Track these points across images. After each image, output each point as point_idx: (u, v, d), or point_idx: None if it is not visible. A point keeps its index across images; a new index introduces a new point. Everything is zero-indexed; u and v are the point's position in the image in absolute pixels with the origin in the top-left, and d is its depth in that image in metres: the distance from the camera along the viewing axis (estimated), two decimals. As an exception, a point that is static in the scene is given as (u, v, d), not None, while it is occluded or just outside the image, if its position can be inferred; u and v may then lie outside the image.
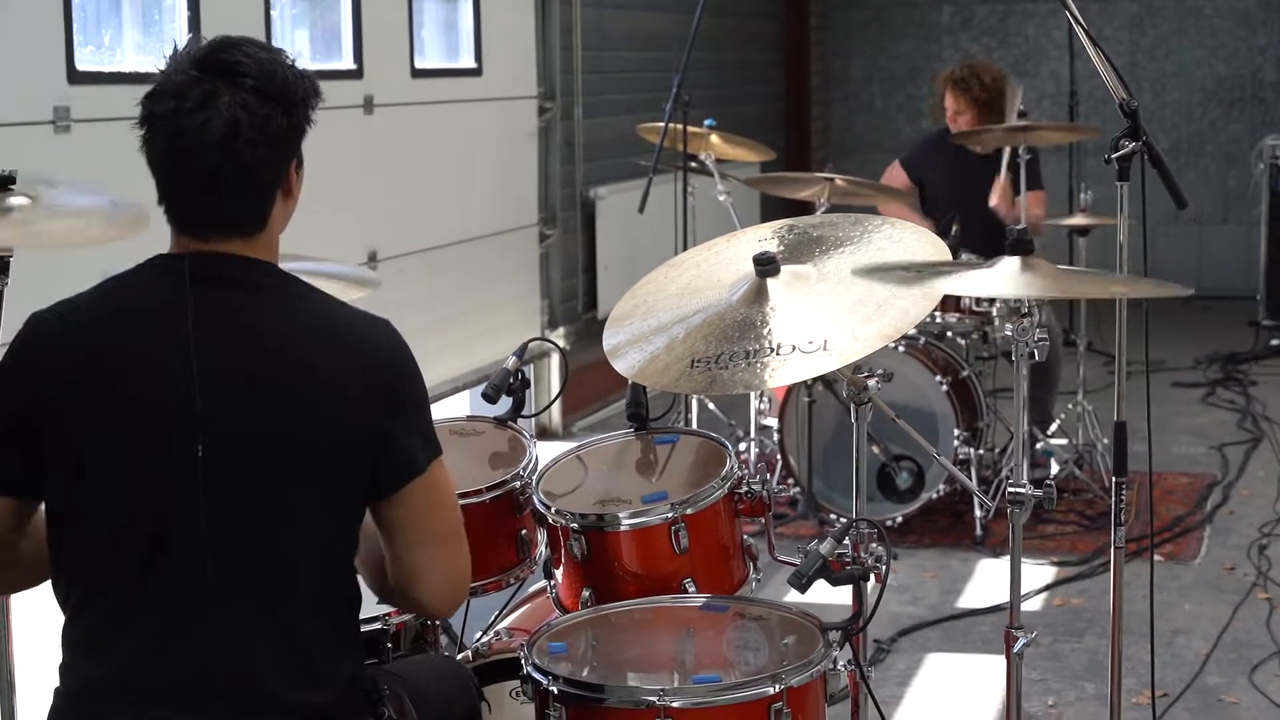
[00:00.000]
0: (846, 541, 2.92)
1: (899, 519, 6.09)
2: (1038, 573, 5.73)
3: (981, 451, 6.21)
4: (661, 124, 6.34)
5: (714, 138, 6.70)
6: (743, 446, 6.78)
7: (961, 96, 6.83)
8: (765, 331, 2.93)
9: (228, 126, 2.28)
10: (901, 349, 6.09)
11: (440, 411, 5.93)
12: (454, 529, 2.47)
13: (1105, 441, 6.71)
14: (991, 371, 6.61)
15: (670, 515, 2.97)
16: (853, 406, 3.03)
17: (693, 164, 6.71)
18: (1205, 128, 11.61)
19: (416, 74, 6.55)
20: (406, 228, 6.49)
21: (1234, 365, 9.16)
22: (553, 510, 3.05)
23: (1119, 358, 3.40)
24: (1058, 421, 6.82)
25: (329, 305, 2.43)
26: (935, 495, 6.09)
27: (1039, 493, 3.14)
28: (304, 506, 2.33)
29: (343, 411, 2.33)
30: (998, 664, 3.34)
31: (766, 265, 3.02)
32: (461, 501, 3.03)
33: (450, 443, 3.34)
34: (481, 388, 3.47)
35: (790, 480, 6.27)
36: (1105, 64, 3.17)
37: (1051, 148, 10.93)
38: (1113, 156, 3.12)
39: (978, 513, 6.10)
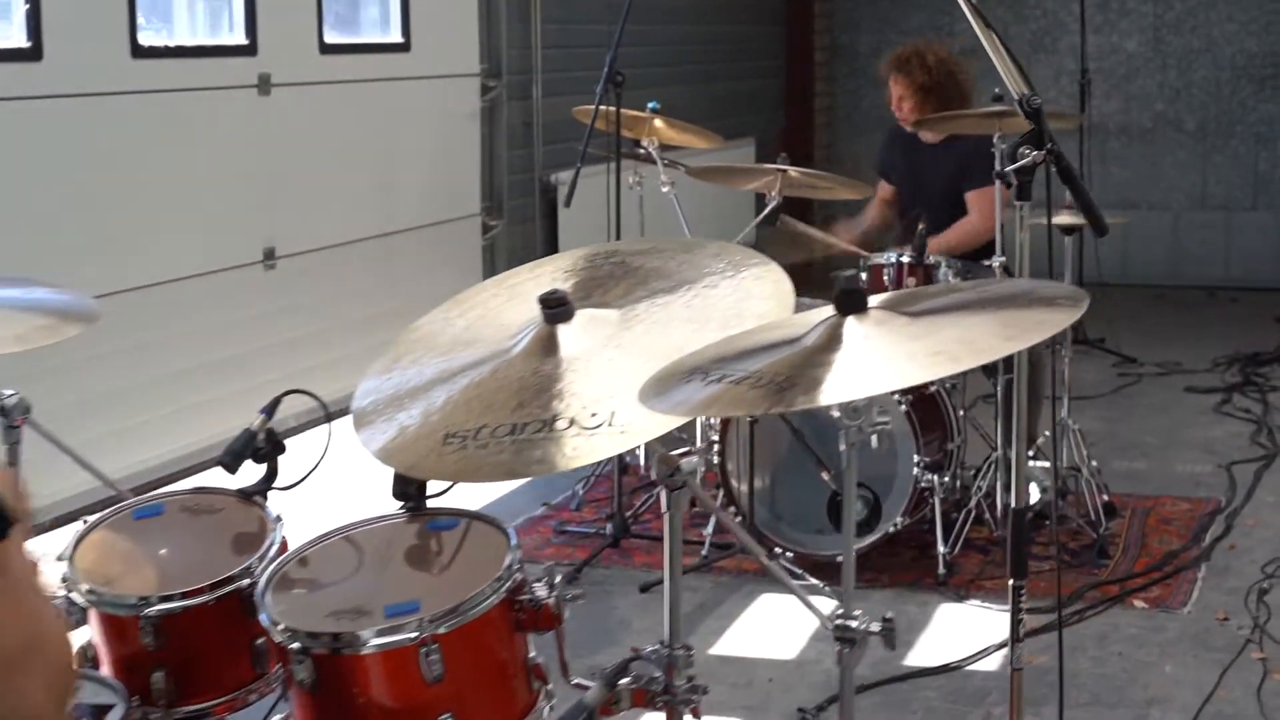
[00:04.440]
0: (657, 672, 2.25)
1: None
2: (1001, 622, 5.04)
3: (945, 479, 5.50)
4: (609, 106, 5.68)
5: (657, 122, 6.01)
6: (689, 460, 6.10)
7: (901, 80, 6.12)
8: (543, 398, 2.25)
9: None
10: (856, 363, 5.40)
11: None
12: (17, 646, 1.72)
13: (1094, 464, 6.00)
14: (961, 384, 5.90)
15: (417, 635, 2.29)
16: (664, 491, 2.34)
17: (639, 150, 6.04)
18: (1234, 107, 10.83)
19: (327, 50, 5.88)
20: (312, 221, 5.83)
21: (1255, 368, 8.40)
22: (278, 627, 2.37)
23: (1013, 408, 2.72)
24: (1042, 437, 6.09)
25: None
26: (894, 528, 5.39)
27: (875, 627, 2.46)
28: None
29: None
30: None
31: (555, 309, 2.35)
32: (183, 603, 2.41)
33: (181, 523, 2.70)
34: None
35: (732, 508, 5.59)
36: (1000, 51, 2.48)
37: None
38: (1008, 170, 2.43)
39: (940, 549, 5.40)
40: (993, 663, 4.76)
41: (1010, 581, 2.72)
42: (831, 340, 2.05)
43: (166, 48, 5.11)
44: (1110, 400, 7.90)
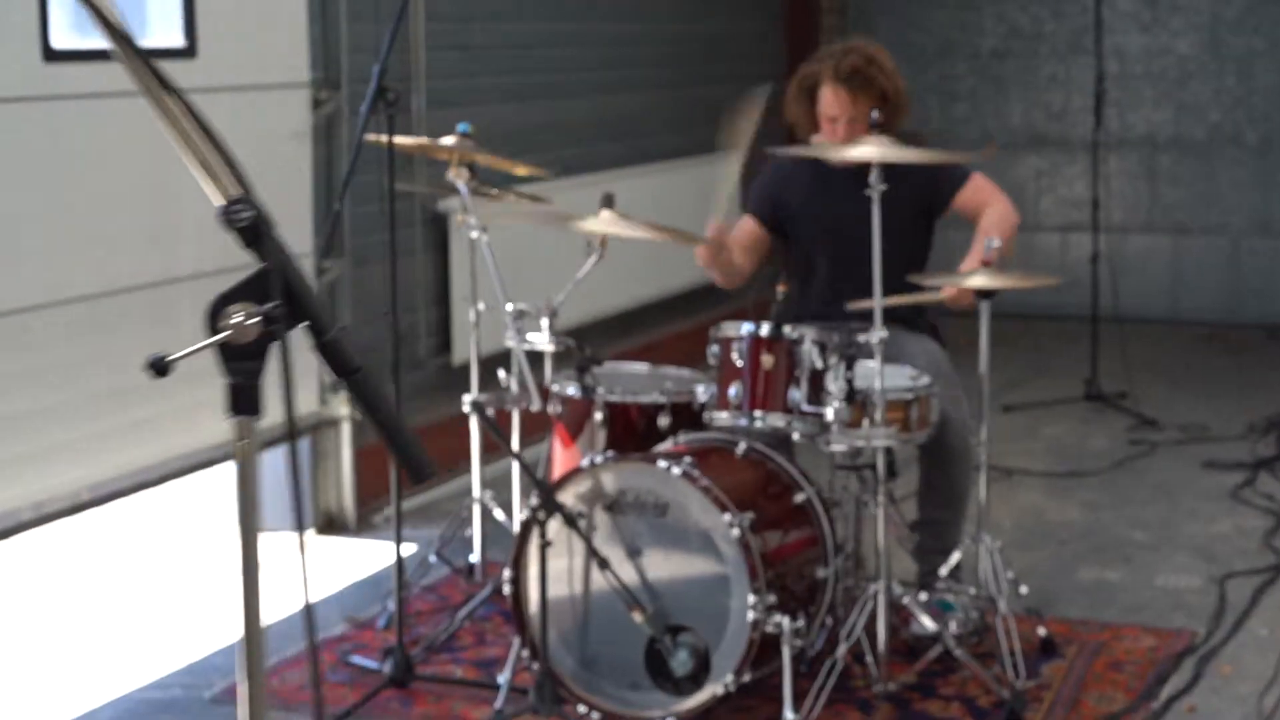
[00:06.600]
0: None
1: (670, 720, 4.12)
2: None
3: (801, 621, 4.19)
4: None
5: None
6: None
7: (846, 93, 4.79)
8: None
9: None
10: (678, 471, 4.11)
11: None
12: None
13: (1024, 590, 4.68)
14: (853, 492, 4.58)
15: None
16: None
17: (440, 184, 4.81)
18: (1303, 118, 9.36)
19: (54, 56, 4.69)
20: (35, 271, 4.66)
21: (1295, 437, 6.98)
22: None
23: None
24: (962, 545, 4.75)
25: None
26: (726, 688, 4.09)
27: None
28: None
29: None
30: None
31: None
32: None
33: None
34: None
35: (527, 652, 4.31)
36: (197, 131, 1.23)
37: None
38: (173, 360, 1.20)
39: (788, 715, 4.09)
40: None
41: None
42: None
43: None
44: (1109, 478, 6.52)
